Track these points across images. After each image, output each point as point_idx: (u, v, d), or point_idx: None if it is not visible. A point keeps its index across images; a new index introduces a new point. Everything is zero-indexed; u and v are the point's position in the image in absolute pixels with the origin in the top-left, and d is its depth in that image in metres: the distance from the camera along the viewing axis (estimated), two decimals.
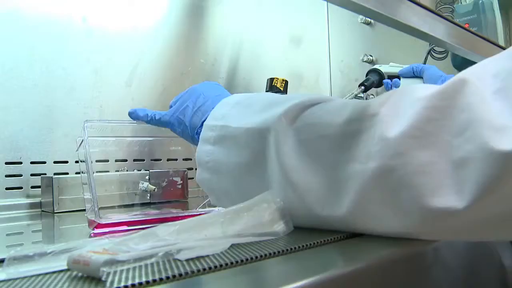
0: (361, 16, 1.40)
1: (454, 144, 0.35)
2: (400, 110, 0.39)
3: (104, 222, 0.56)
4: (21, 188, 0.86)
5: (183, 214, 0.64)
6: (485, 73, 0.37)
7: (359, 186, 0.39)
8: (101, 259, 0.27)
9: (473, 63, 0.40)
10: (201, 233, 0.37)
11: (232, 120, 0.53)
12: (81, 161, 0.61)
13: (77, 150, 0.62)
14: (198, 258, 0.32)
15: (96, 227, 0.56)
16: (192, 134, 0.60)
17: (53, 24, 0.92)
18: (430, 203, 0.36)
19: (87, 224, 0.58)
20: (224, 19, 1.24)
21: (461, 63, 1.14)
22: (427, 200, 0.36)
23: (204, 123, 0.56)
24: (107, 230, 0.57)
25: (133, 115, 0.66)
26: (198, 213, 0.65)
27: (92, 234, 0.56)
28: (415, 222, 0.37)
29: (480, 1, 1.08)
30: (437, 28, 0.64)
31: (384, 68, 1.16)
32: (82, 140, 0.60)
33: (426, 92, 0.38)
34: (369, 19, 1.40)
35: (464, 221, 0.36)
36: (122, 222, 0.59)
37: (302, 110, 0.46)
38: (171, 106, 0.65)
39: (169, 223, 0.35)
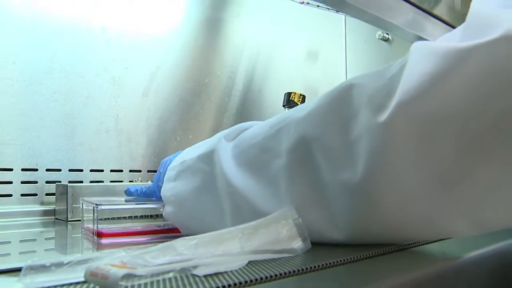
0: (379, 32, 1.40)
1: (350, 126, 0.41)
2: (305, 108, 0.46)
3: (108, 232, 0.58)
4: (36, 195, 0.87)
5: None
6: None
7: (285, 178, 0.45)
8: (119, 273, 0.27)
9: None
10: (218, 248, 0.36)
11: (187, 155, 0.59)
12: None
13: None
14: (216, 274, 0.32)
15: (102, 235, 0.57)
16: None
17: (73, 33, 0.93)
18: (336, 177, 0.41)
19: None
20: (241, 32, 1.24)
21: None
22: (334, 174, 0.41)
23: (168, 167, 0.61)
24: (114, 241, 0.58)
25: (127, 192, 0.70)
26: None
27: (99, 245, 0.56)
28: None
29: None
30: None
31: None
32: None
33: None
34: (387, 35, 1.40)
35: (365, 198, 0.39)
36: (126, 232, 0.60)
37: (241, 131, 0.54)
38: None
39: (188, 237, 0.34)
